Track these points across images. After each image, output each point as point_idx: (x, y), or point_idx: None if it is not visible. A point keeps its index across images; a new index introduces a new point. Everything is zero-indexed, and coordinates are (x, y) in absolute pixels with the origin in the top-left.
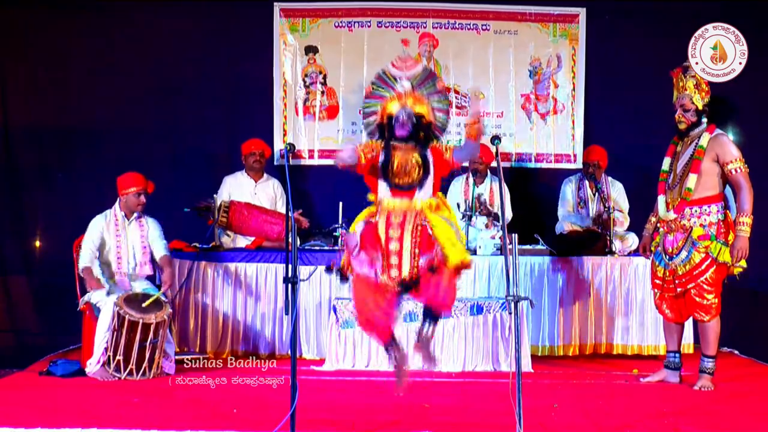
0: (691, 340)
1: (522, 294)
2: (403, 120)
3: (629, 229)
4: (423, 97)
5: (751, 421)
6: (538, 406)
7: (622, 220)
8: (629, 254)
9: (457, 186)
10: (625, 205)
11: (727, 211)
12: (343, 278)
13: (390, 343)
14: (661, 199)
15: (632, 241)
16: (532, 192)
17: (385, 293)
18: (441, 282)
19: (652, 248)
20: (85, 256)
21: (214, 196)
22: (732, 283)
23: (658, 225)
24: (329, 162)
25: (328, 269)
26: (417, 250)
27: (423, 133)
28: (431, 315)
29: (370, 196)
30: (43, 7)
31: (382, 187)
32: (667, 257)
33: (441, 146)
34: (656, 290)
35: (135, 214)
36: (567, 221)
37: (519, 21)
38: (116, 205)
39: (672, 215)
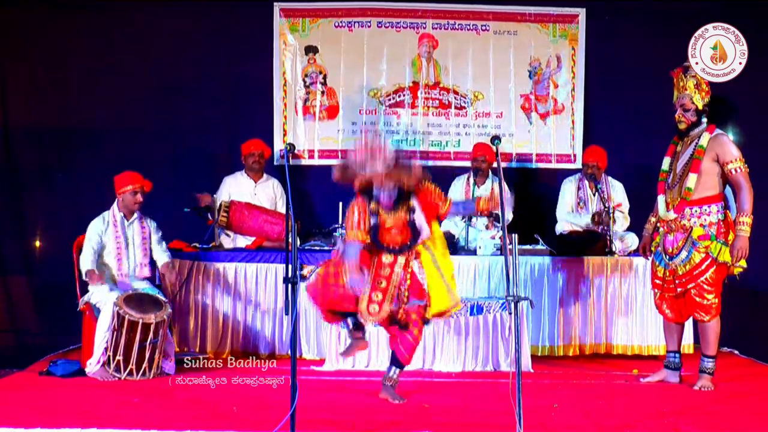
0: (691, 340)
1: (522, 294)
2: (385, 199)
3: (629, 229)
4: (398, 171)
5: (751, 421)
6: (538, 406)
7: (621, 218)
8: (629, 254)
9: (458, 186)
10: (625, 205)
11: (727, 211)
12: (302, 278)
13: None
14: (661, 199)
15: (632, 241)
16: (532, 192)
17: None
18: (408, 336)
19: (652, 248)
20: (86, 260)
21: (214, 196)
22: (732, 283)
23: (658, 225)
24: (329, 162)
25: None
26: (406, 294)
27: (406, 194)
28: (396, 362)
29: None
30: (43, 7)
31: (376, 245)
32: (667, 257)
33: (434, 194)
34: (656, 290)
35: (135, 215)
36: (567, 221)
37: (518, 21)
38: (114, 205)
39: (672, 215)
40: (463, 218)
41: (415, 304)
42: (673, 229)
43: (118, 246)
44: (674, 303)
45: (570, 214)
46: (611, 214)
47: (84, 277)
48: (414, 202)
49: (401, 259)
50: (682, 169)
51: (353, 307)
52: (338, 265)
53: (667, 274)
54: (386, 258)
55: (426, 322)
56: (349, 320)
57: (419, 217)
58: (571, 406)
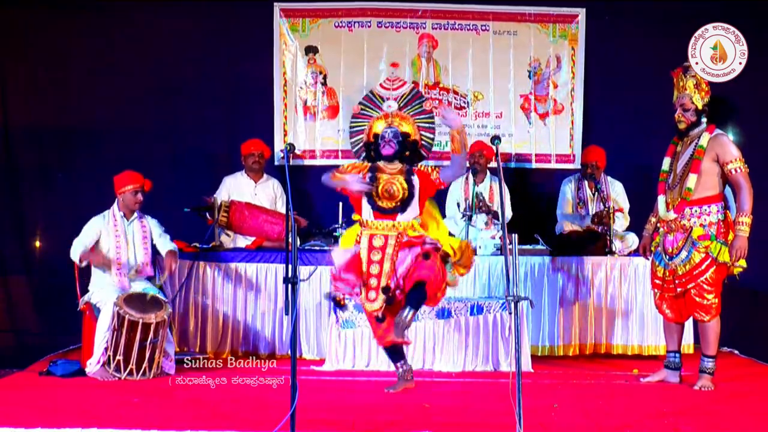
0: (691, 340)
1: (522, 294)
2: (389, 138)
3: (629, 229)
4: (409, 116)
5: (751, 421)
6: (538, 406)
7: (621, 218)
8: (629, 254)
9: (457, 185)
10: (625, 205)
11: (727, 211)
12: (339, 306)
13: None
14: (661, 199)
15: (632, 241)
16: (531, 192)
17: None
18: (433, 267)
19: (652, 248)
20: (77, 249)
21: (215, 196)
22: (732, 283)
23: (658, 225)
24: (330, 162)
25: (335, 303)
26: (398, 268)
27: (409, 152)
28: (415, 297)
29: (355, 216)
30: (43, 7)
31: (366, 208)
32: (667, 257)
33: (427, 169)
34: (656, 290)
35: (135, 214)
36: (566, 221)
37: (518, 21)
38: (114, 205)
39: (672, 215)
40: (462, 217)
41: (418, 252)
42: (673, 229)
43: (118, 245)
44: (674, 303)
45: (570, 215)
46: (611, 215)
47: (79, 262)
48: (413, 168)
49: (392, 241)
50: (682, 169)
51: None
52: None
53: (667, 274)
54: (377, 241)
55: (444, 259)
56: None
57: (416, 181)
58: (571, 406)
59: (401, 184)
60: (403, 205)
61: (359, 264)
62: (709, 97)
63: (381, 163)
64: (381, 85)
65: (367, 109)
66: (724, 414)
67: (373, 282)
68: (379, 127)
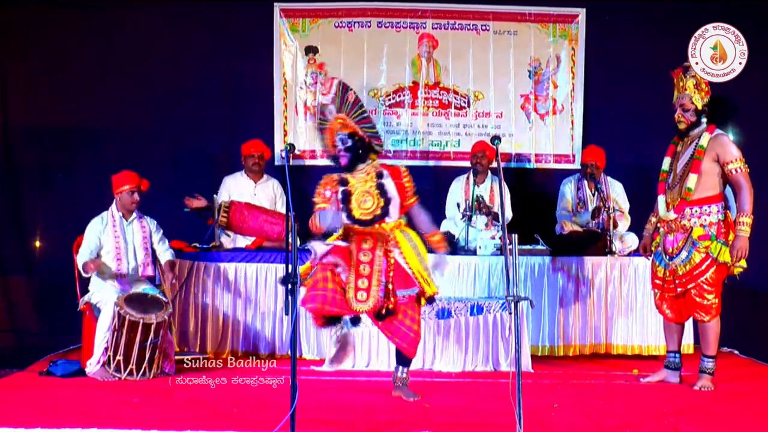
0: (691, 340)
1: (522, 294)
2: (340, 149)
3: (629, 229)
4: (344, 116)
5: (751, 421)
6: (538, 406)
7: (622, 220)
8: (629, 254)
9: (458, 186)
10: (625, 205)
11: (728, 211)
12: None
13: (326, 326)
14: (661, 199)
15: (632, 241)
16: (531, 192)
17: (341, 287)
18: (409, 333)
19: (653, 248)
20: (82, 257)
21: (215, 196)
22: (732, 283)
23: (659, 225)
24: (330, 162)
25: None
26: (390, 285)
27: (361, 149)
28: (402, 360)
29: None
30: (43, 7)
31: (349, 221)
32: (668, 257)
33: (405, 177)
34: (656, 290)
35: (134, 214)
36: (565, 221)
37: (519, 21)
38: (113, 205)
39: (672, 215)
40: (462, 218)
41: (405, 295)
42: (674, 229)
43: (117, 246)
44: (674, 303)
45: (569, 216)
46: (611, 215)
47: (83, 272)
48: (380, 166)
49: (381, 243)
50: (682, 169)
51: (346, 310)
52: (325, 270)
53: (667, 274)
54: (366, 243)
55: (430, 301)
56: (347, 318)
57: (389, 184)
58: (571, 406)
59: (374, 197)
60: (383, 212)
61: (348, 255)
62: (709, 97)
63: (346, 174)
64: (321, 92)
65: (323, 123)
66: (724, 414)
67: (363, 283)
68: (333, 138)
